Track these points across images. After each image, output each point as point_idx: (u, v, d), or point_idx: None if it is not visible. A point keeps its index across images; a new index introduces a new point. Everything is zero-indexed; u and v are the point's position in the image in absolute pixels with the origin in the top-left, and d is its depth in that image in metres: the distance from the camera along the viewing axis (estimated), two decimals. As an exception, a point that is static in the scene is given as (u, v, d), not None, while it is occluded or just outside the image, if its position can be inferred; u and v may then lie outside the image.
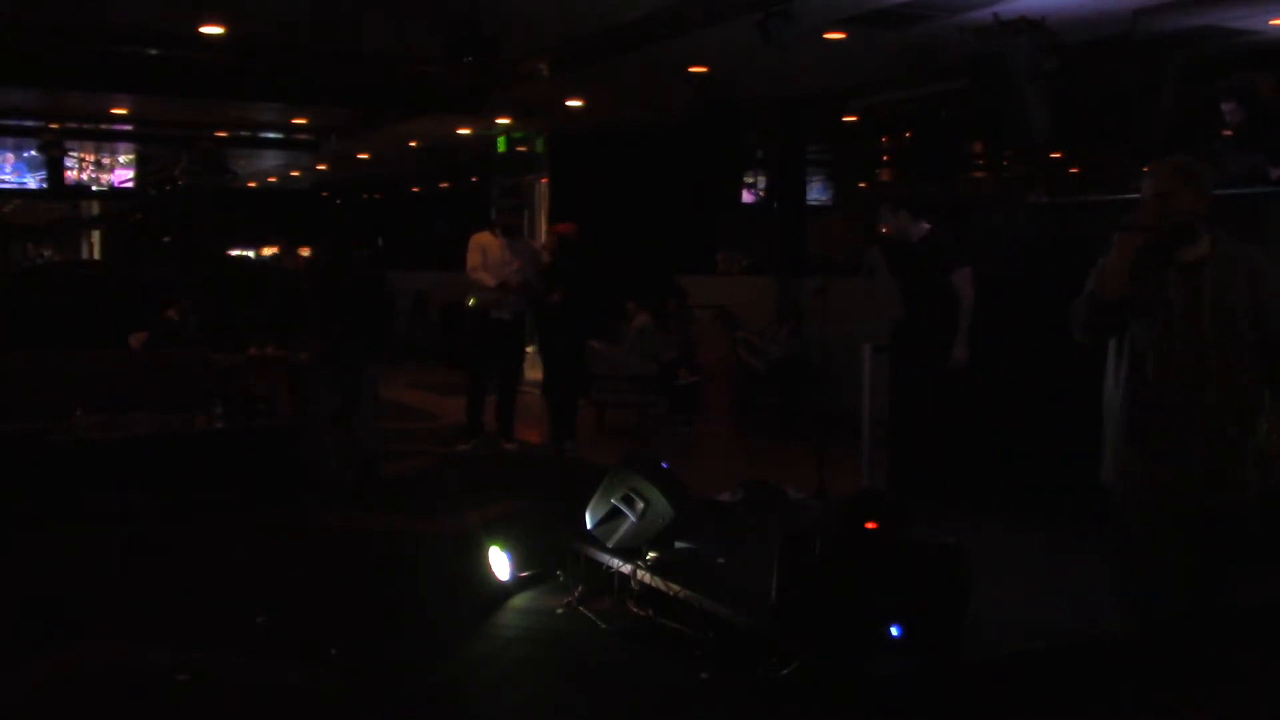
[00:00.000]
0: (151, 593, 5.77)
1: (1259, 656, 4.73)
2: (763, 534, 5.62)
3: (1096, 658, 4.41)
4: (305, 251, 11.13)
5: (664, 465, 5.69)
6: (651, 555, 5.32)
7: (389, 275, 10.33)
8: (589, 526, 5.60)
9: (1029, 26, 7.48)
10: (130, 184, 21.75)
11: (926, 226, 7.14)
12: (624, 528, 5.45)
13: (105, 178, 21.30)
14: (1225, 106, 6.57)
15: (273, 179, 24.34)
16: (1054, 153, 10.58)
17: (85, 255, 30.92)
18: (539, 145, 15.90)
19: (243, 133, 16.61)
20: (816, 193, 15.10)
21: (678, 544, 5.47)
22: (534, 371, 9.89)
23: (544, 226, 14.87)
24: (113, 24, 9.74)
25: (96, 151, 20.23)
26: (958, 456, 6.88)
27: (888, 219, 7.26)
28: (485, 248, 9.51)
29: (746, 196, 15.99)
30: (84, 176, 20.75)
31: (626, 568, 5.31)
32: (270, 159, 20.64)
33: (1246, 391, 3.78)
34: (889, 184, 12.31)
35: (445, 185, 22.38)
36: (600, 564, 5.51)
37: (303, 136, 16.60)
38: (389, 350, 9.41)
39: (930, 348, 6.95)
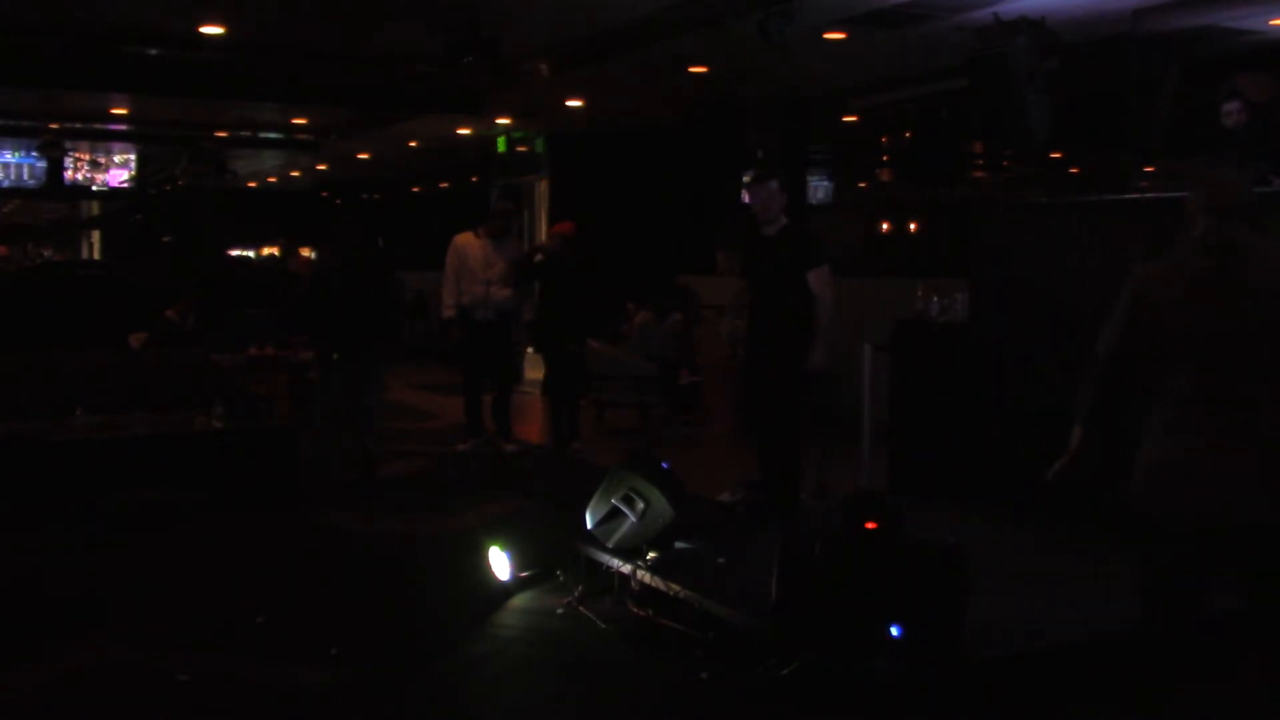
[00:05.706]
0: (152, 593, 5.77)
1: (1258, 656, 4.73)
2: (763, 534, 5.61)
3: (1096, 658, 4.41)
4: (307, 253, 11.13)
5: (664, 465, 5.69)
6: (651, 555, 5.32)
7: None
8: (589, 526, 5.60)
9: (1029, 26, 7.46)
10: (126, 184, 21.76)
11: (785, 221, 6.75)
12: (624, 528, 5.45)
13: (100, 177, 21.31)
14: (1228, 106, 6.45)
15: (273, 179, 24.34)
16: (1054, 153, 10.57)
17: (85, 255, 30.93)
18: (539, 145, 15.89)
19: (243, 133, 16.62)
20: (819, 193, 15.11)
21: (678, 544, 5.47)
22: (534, 371, 9.88)
23: (544, 226, 14.87)
24: (113, 24, 9.75)
25: (92, 151, 20.25)
26: (958, 457, 6.87)
27: (769, 197, 6.74)
28: (464, 250, 9.38)
29: (747, 197, 15.99)
30: (79, 176, 20.76)
31: (626, 568, 5.31)
32: (270, 159, 20.63)
33: None
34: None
35: (445, 185, 22.39)
36: (600, 564, 5.51)
37: (303, 136, 16.60)
38: (398, 350, 9.40)
39: (781, 353, 6.57)
